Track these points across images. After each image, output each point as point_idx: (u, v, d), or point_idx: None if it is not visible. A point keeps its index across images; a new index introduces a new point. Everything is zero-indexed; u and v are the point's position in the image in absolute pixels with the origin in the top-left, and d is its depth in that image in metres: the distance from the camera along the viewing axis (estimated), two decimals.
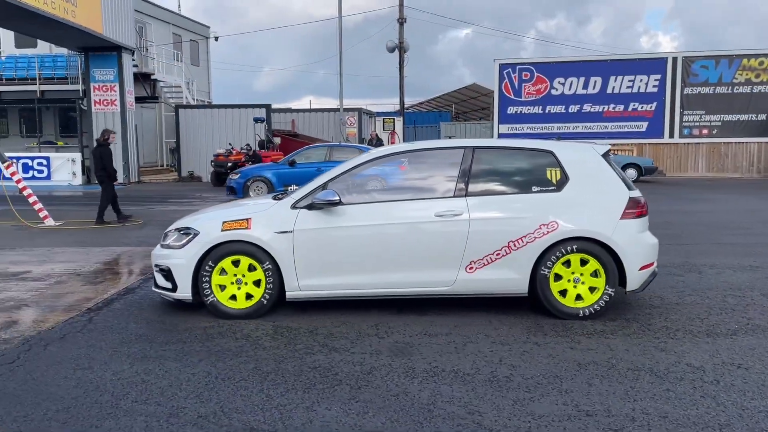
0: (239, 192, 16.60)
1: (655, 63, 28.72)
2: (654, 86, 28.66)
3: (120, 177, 23.66)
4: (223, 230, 5.50)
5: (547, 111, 29.32)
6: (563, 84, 29.13)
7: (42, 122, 27.65)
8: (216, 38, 36.21)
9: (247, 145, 23.95)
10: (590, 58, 29.95)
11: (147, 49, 28.00)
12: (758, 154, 28.24)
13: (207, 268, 5.47)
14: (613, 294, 5.36)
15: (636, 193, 5.59)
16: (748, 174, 27.86)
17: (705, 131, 28.55)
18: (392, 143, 29.18)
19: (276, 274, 5.45)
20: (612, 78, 28.86)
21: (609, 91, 28.94)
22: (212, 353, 4.62)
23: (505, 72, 29.35)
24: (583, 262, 5.39)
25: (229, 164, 22.06)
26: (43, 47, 27.85)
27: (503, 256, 5.38)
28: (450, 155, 5.81)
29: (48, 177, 23.97)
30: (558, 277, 5.40)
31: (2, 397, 3.85)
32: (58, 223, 12.09)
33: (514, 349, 4.60)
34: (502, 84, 29.42)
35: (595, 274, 5.39)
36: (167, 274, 5.63)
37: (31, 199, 12.31)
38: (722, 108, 28.30)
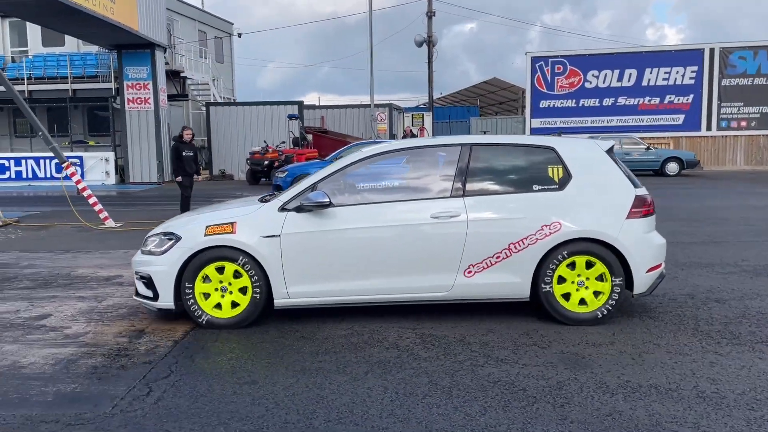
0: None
1: (691, 54, 28.24)
2: (691, 78, 28.19)
3: (154, 176, 23.66)
4: (206, 235, 5.19)
5: (580, 104, 28.91)
6: (597, 77, 28.71)
7: (69, 122, 27.48)
8: (239, 35, 35.92)
9: (283, 142, 23.74)
10: (625, 50, 29.52)
11: (175, 46, 27.75)
12: None
13: (189, 275, 5.19)
14: (620, 298, 5.13)
15: (642, 191, 5.32)
16: None
17: (743, 123, 28.08)
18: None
19: (263, 281, 5.16)
20: (647, 70, 28.40)
21: (644, 83, 28.48)
22: (372, 364, 4.35)
23: (537, 65, 28.94)
24: (589, 265, 5.13)
25: (266, 162, 21.84)
26: (71, 45, 27.66)
27: (503, 259, 5.12)
28: (446, 153, 5.53)
29: (81, 177, 23.68)
30: (561, 280, 5.15)
31: (182, 417, 3.59)
32: (118, 225, 11.87)
33: (698, 360, 4.30)
34: (534, 77, 29.01)
35: (600, 277, 5.14)
36: (148, 281, 5.33)
37: (91, 200, 12.09)
38: (761, 99, 27.80)
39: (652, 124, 28.58)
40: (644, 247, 5.20)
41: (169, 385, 4.05)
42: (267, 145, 22.89)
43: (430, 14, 29.99)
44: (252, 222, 5.26)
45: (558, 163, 5.33)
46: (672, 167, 23.06)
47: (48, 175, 24.09)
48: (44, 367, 4.43)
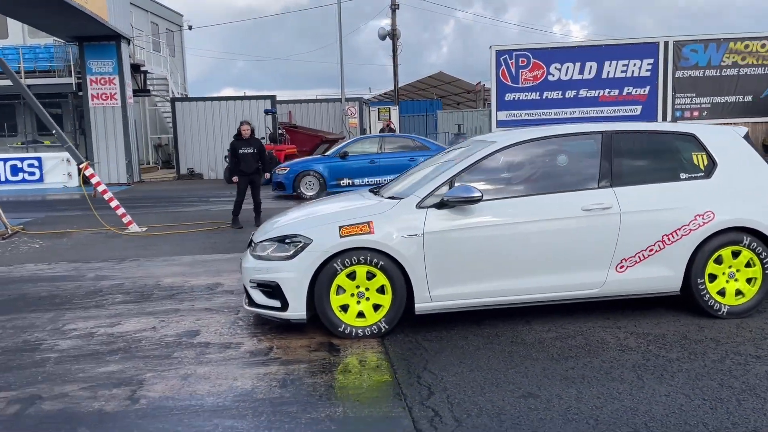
0: (288, 188, 15.77)
1: (647, 47, 29.29)
2: (647, 70, 29.25)
3: (123, 177, 22.30)
4: (342, 236, 4.76)
5: (544, 97, 29.40)
6: (560, 69, 29.29)
7: (17, 120, 25.58)
8: (190, 27, 34.53)
9: (263, 138, 22.92)
10: (585, 44, 30.35)
11: (134, 39, 26.29)
12: None
13: (324, 280, 4.78)
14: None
15: None
16: None
17: (696, 113, 29.37)
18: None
19: (404, 285, 4.80)
20: (607, 63, 29.22)
21: (604, 75, 29.29)
22: (630, 369, 4.10)
23: (501, 58, 29.20)
24: (736, 254, 5.03)
25: None
26: (15, 38, 25.77)
27: (657, 251, 4.96)
28: (586, 141, 5.33)
29: (40, 179, 22.16)
30: (712, 277, 5.05)
31: None
32: (142, 229, 11.01)
33: None
34: (499, 71, 29.26)
35: (748, 266, 5.03)
36: (273, 290, 4.85)
37: (112, 203, 11.16)
38: (711, 90, 29.16)
39: (612, 115, 29.43)
40: None
41: (449, 404, 3.66)
42: None
43: (394, 7, 29.70)
44: (389, 220, 4.85)
45: (701, 151, 5.23)
46: None
47: (3, 179, 22.25)
48: (274, 390, 3.93)
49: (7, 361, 4.62)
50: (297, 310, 4.83)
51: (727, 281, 5.06)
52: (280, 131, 24.16)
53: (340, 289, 4.84)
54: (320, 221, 5.08)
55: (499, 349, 4.55)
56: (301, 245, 4.84)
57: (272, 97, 24.70)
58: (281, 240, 4.97)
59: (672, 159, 5.28)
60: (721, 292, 5.07)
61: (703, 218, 4.97)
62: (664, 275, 5.02)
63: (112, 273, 7.56)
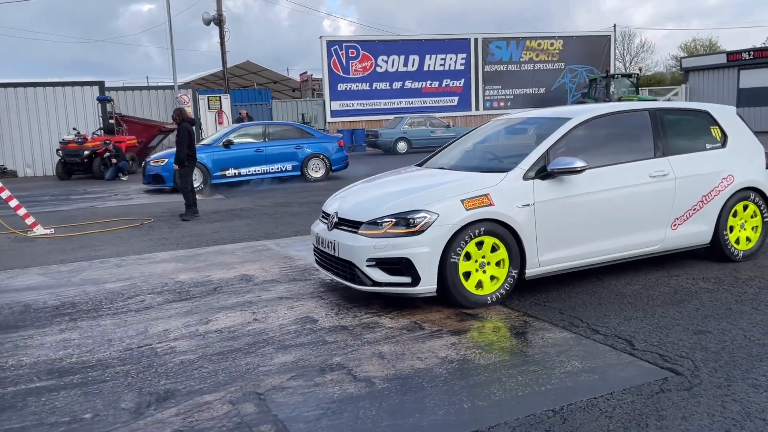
0: (169, 180, 14.73)
1: (461, 43, 31.86)
2: (462, 64, 31.85)
3: None
4: (467, 209, 4.98)
5: (373, 87, 30.60)
6: (386, 62, 30.67)
7: None
8: None
9: (100, 128, 20.85)
10: (408, 38, 31.97)
11: None
12: None
13: (455, 253, 4.96)
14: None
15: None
16: None
17: (502, 104, 32.74)
18: (220, 123, 27.74)
19: (519, 252, 5.19)
20: (428, 56, 31.27)
21: (426, 68, 31.32)
22: (741, 303, 4.89)
23: (332, 49, 29.76)
24: (745, 209, 6.19)
25: (86, 152, 19.16)
26: None
27: (698, 210, 5.95)
28: (638, 117, 6.17)
29: None
30: (731, 225, 6.15)
31: (740, 373, 3.80)
32: (48, 230, 9.66)
33: None
34: (330, 61, 29.80)
35: (753, 217, 6.26)
36: (402, 266, 4.92)
37: (11, 203, 9.58)
38: (513, 83, 32.73)
39: (434, 105, 31.63)
40: None
41: (657, 346, 4.11)
42: (80, 133, 19.91)
43: None
44: (503, 192, 5.15)
45: (715, 124, 6.34)
46: None
47: None
48: (485, 357, 4.06)
49: (145, 368, 4.08)
50: (429, 283, 4.90)
51: (740, 231, 6.17)
52: (111, 121, 22.19)
53: (467, 256, 5.00)
54: (436, 196, 5.14)
55: (618, 301, 5.10)
56: (426, 220, 4.91)
57: (100, 83, 22.62)
58: (402, 216, 4.98)
59: (699, 132, 6.27)
60: (737, 241, 6.17)
61: (727, 180, 6.02)
62: (702, 230, 5.98)
63: (99, 275, 6.70)
